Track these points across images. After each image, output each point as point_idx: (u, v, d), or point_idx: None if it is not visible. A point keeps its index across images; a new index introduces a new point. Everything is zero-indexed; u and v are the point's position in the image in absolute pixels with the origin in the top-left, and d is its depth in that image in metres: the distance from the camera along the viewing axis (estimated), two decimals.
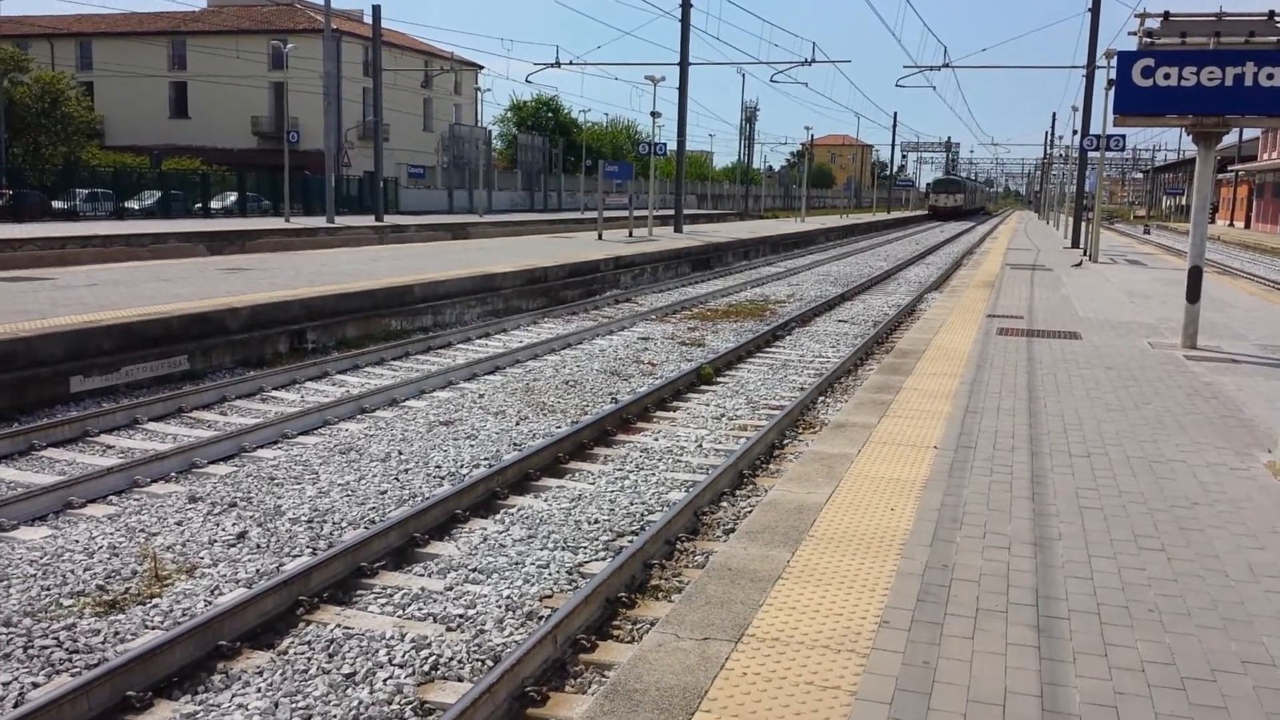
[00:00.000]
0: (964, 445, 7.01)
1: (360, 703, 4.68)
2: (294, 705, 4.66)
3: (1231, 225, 75.85)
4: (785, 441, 9.56)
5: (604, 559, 6.48)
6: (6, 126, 45.96)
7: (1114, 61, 12.39)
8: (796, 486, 5.98)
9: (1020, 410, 8.19)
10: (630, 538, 6.86)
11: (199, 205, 45.97)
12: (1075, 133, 42.10)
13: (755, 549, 4.93)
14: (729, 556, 4.84)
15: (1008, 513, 5.58)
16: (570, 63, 42.55)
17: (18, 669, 4.93)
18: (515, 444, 9.20)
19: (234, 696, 4.75)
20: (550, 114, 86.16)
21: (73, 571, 6.11)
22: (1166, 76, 10.76)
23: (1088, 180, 36.72)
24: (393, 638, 5.31)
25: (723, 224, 55.93)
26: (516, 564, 6.36)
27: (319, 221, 40.40)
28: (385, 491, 7.74)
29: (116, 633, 5.33)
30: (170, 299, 13.72)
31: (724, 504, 7.64)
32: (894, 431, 7.38)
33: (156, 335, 11.69)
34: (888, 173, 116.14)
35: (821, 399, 11.42)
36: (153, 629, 5.40)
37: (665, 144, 39.36)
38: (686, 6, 38.26)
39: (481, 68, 77.82)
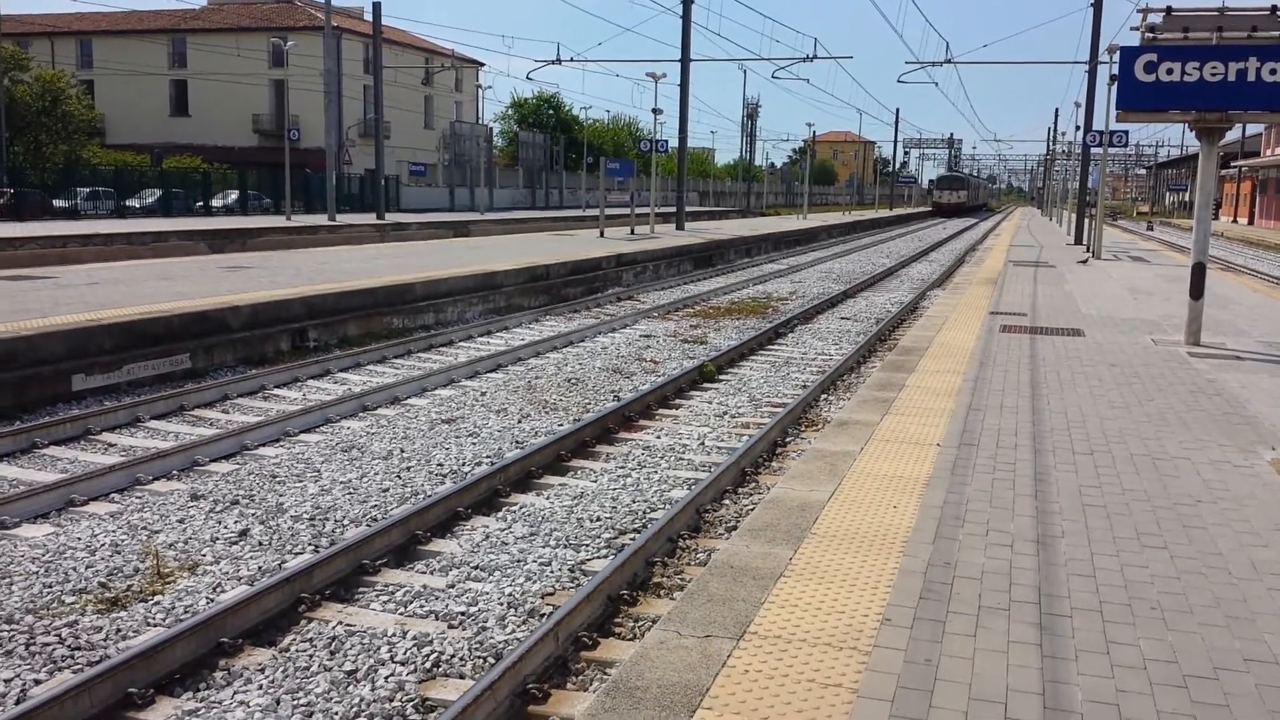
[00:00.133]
0: (967, 443, 7.00)
1: (362, 700, 4.68)
2: (296, 702, 4.66)
3: (1235, 221, 75.78)
4: (787, 439, 9.56)
5: (606, 557, 6.48)
6: (7, 125, 45.95)
7: (1117, 57, 12.36)
8: (799, 484, 5.97)
9: (1023, 407, 8.18)
10: (632, 535, 6.85)
11: (200, 203, 46.02)
12: (1078, 129, 42.07)
13: (757, 546, 4.93)
14: (731, 554, 4.83)
15: (1010, 510, 5.57)
16: (571, 60, 42.65)
17: (20, 666, 4.93)
18: (517, 442, 9.20)
19: (236, 694, 4.75)
20: (551, 111, 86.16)
21: (75, 569, 6.12)
22: (1169, 72, 10.74)
23: (1091, 176, 36.66)
24: (394, 635, 5.31)
25: (725, 221, 55.91)
26: (518, 561, 6.36)
27: (320, 219, 40.44)
28: (387, 489, 7.74)
29: (118, 630, 5.33)
30: (171, 297, 13.72)
31: (726, 502, 7.63)
32: (897, 429, 7.37)
33: (158, 334, 11.70)
34: (890, 169, 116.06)
35: (824, 396, 11.41)
36: (155, 626, 5.40)
37: (667, 141, 39.36)
38: (688, 3, 38.23)
39: (482, 65, 77.81)
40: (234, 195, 48.44)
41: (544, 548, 6.61)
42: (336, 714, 4.58)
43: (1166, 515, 5.56)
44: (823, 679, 3.65)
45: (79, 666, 4.95)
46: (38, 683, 4.79)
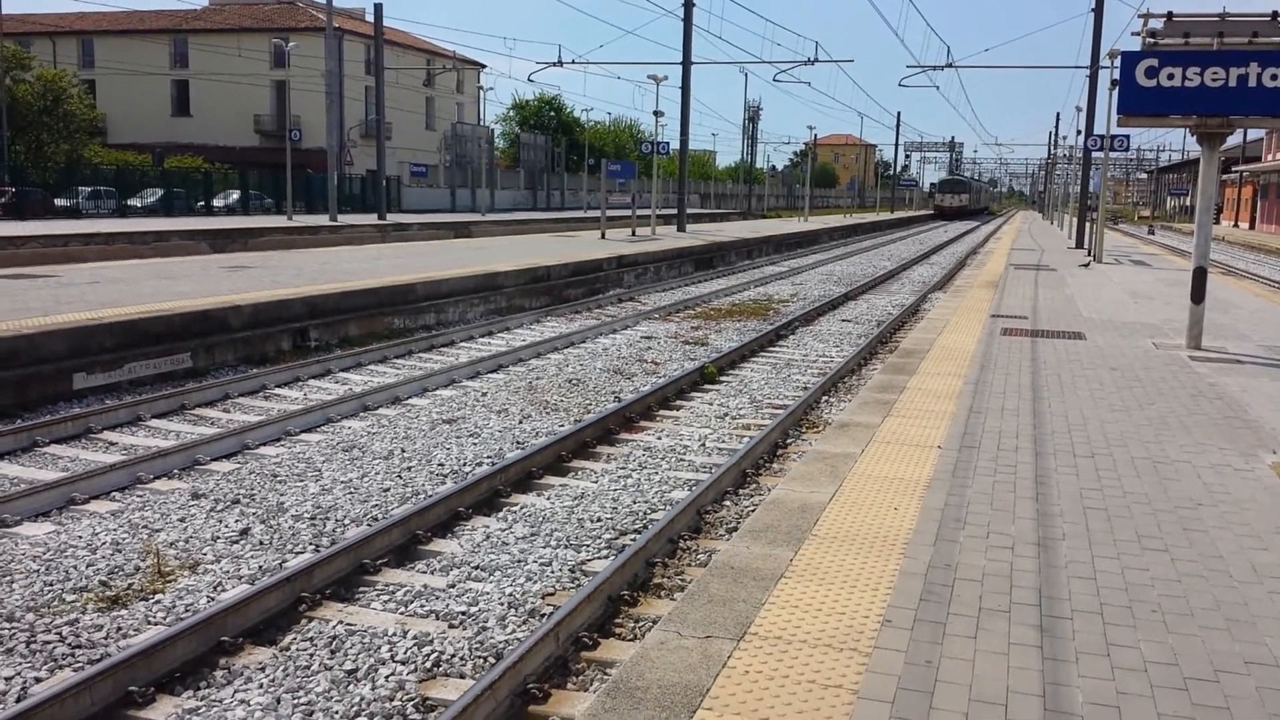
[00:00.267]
0: (968, 445, 7.00)
1: (362, 699, 4.68)
2: (296, 701, 4.66)
3: (1236, 226, 75.79)
4: (788, 441, 9.56)
5: (606, 557, 6.48)
6: (9, 124, 45.98)
7: (1118, 62, 12.38)
8: (799, 486, 5.97)
9: (1024, 410, 8.18)
10: (633, 536, 6.85)
11: (201, 203, 46.06)
12: (1079, 133, 42.09)
13: (758, 548, 4.93)
14: (732, 555, 4.83)
15: (1011, 513, 5.57)
16: (573, 62, 42.74)
17: (21, 664, 4.93)
18: (518, 442, 9.20)
19: (236, 692, 4.75)
20: (553, 113, 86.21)
21: (76, 567, 6.12)
22: (1170, 77, 10.74)
23: (1092, 180, 36.68)
24: (395, 634, 5.31)
25: (726, 223, 55.93)
26: (519, 562, 6.36)
27: (321, 220, 40.45)
28: (388, 489, 7.74)
29: (119, 628, 5.34)
30: (173, 296, 13.73)
31: (727, 503, 7.63)
32: (897, 431, 7.38)
33: (159, 332, 11.70)
34: (891, 172, 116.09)
35: (825, 398, 11.41)
36: (155, 625, 5.40)
37: (668, 143, 39.37)
38: (689, 5, 38.26)
39: (484, 66, 77.86)
40: (235, 195, 48.48)
41: (545, 548, 6.61)
42: (337, 713, 4.58)
43: (1167, 518, 5.56)
44: (823, 680, 3.65)
45: (80, 665, 4.95)
46: (38, 680, 4.80)
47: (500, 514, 7.29)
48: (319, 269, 18.78)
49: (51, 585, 5.87)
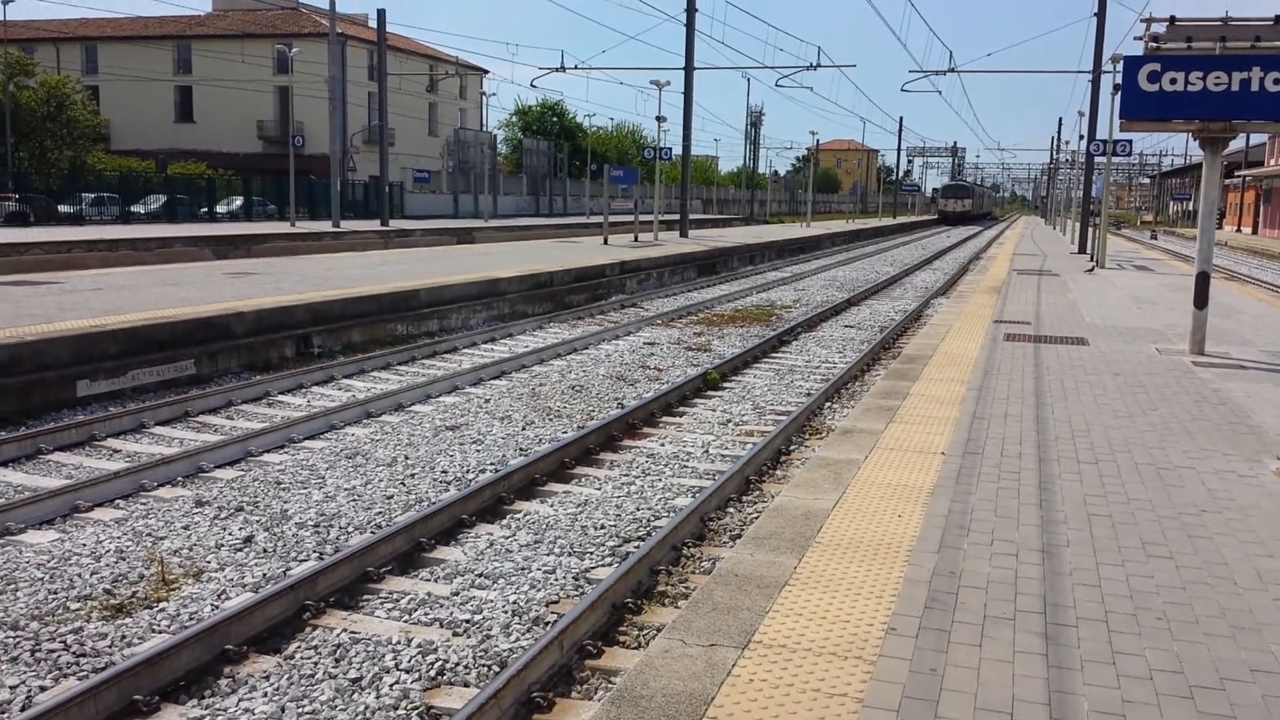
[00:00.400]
0: (971, 451, 7.00)
1: (366, 707, 4.68)
2: (300, 710, 4.66)
3: (1239, 231, 75.72)
4: (792, 447, 9.55)
5: (610, 565, 6.47)
6: (12, 131, 46.11)
7: (1120, 66, 12.38)
8: (803, 492, 5.97)
9: (1028, 416, 8.17)
10: (637, 543, 6.85)
11: (204, 209, 46.13)
12: (1082, 138, 42.07)
13: (762, 555, 4.93)
14: (736, 563, 4.83)
15: (1015, 519, 5.57)
16: (575, 67, 42.60)
17: (25, 672, 4.93)
18: (521, 449, 9.20)
19: (240, 701, 4.75)
20: (555, 118, 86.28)
21: (80, 575, 6.12)
22: (1173, 81, 10.74)
23: (1094, 185, 36.67)
24: (399, 643, 5.31)
25: (728, 229, 55.95)
26: (523, 569, 6.36)
27: (324, 226, 40.51)
28: (391, 496, 7.74)
29: (123, 636, 5.34)
30: (176, 303, 13.75)
31: (731, 510, 7.63)
32: (901, 437, 7.37)
33: (162, 340, 11.72)
34: (893, 177, 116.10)
35: (828, 405, 11.41)
36: (159, 633, 5.40)
37: (670, 148, 39.41)
38: (691, 11, 38.31)
39: (486, 72, 78.00)
40: (238, 201, 48.56)
41: (548, 555, 6.61)
42: None
43: (1171, 525, 5.55)
44: (828, 688, 3.64)
45: (84, 673, 4.95)
46: (43, 689, 4.80)
47: (504, 521, 7.28)
48: (322, 275, 18.81)
49: (56, 593, 5.87)
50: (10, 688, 4.78)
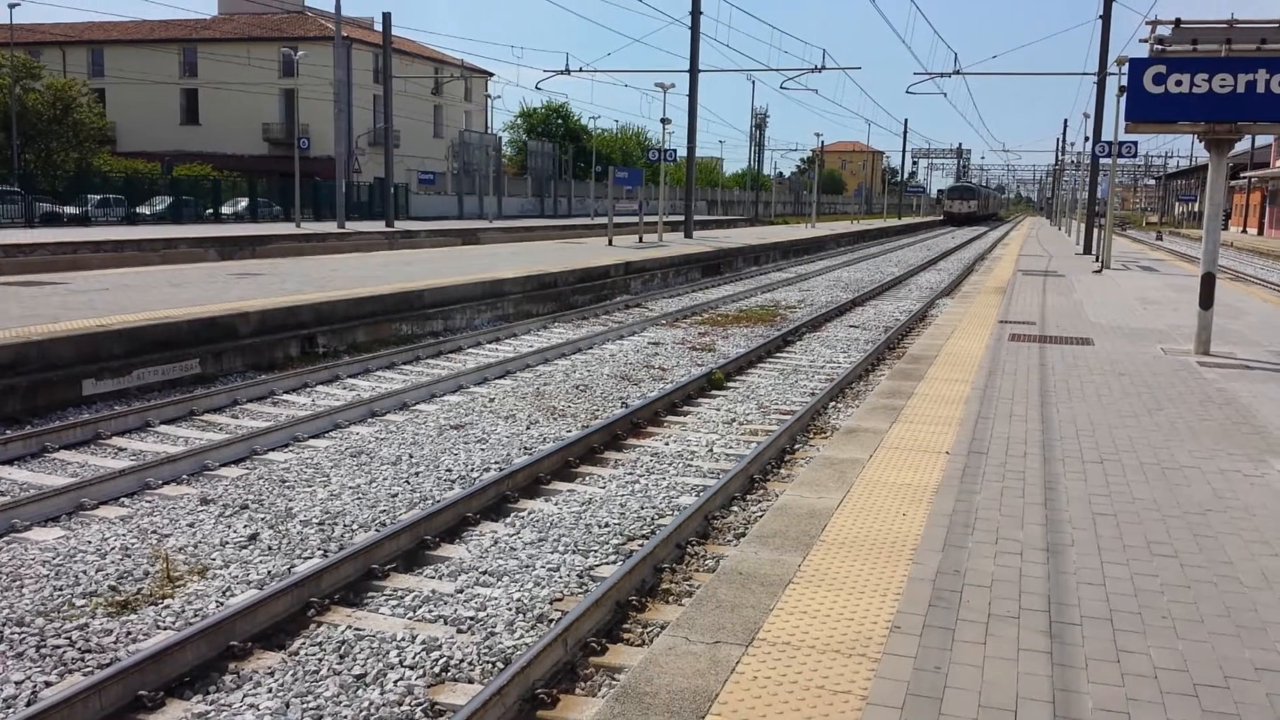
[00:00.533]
0: (976, 450, 6.99)
1: (371, 704, 4.69)
2: (305, 706, 4.67)
3: (1244, 232, 75.59)
4: (796, 446, 9.55)
5: (614, 563, 6.48)
6: (19, 133, 46.23)
7: (1125, 68, 12.37)
8: (808, 491, 5.97)
9: (1032, 416, 8.17)
10: (641, 542, 6.85)
11: (210, 211, 46.19)
12: (1087, 139, 42.06)
13: (766, 553, 4.93)
14: (740, 561, 4.83)
15: (1020, 518, 5.56)
16: (580, 69, 42.66)
17: (31, 668, 4.95)
18: (525, 448, 9.21)
19: (245, 697, 4.76)
20: (560, 120, 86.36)
21: (85, 572, 6.14)
22: (1178, 83, 10.72)
23: (1100, 187, 36.63)
24: (403, 639, 5.31)
25: (733, 230, 55.94)
26: (527, 567, 6.36)
27: (329, 227, 40.56)
28: (396, 494, 7.75)
29: (129, 633, 5.35)
30: (181, 303, 13.77)
31: (735, 508, 7.63)
32: (905, 437, 7.37)
33: (168, 339, 11.74)
34: (898, 179, 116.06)
35: (832, 404, 11.40)
36: (165, 629, 5.41)
37: (675, 150, 39.41)
38: (696, 13, 38.32)
39: (491, 74, 78.12)
40: (244, 203, 48.62)
41: (552, 553, 6.61)
42: (345, 718, 4.58)
43: (1176, 524, 5.55)
44: (832, 686, 3.64)
45: (89, 669, 4.97)
46: (48, 685, 4.81)
47: (508, 519, 7.29)
48: (327, 276, 18.83)
49: (61, 590, 5.88)
50: (16, 683, 4.79)
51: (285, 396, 11.29)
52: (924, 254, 45.45)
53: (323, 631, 5.44)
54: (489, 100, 76.61)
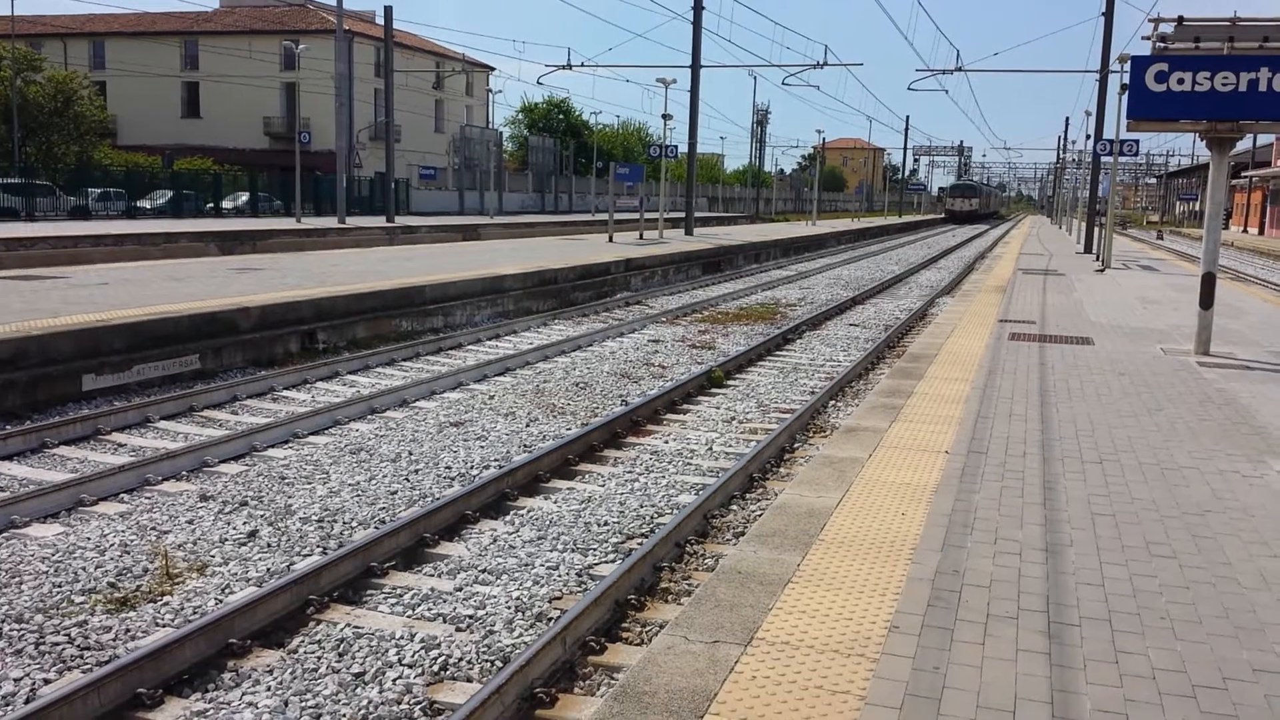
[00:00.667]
0: (975, 450, 6.99)
1: (370, 702, 4.69)
2: (304, 704, 4.67)
3: (1245, 231, 75.54)
4: (796, 445, 9.55)
5: (613, 561, 6.48)
6: (20, 125, 46.20)
7: (1128, 66, 12.35)
8: (807, 490, 5.97)
9: (1032, 416, 8.17)
10: (640, 540, 6.86)
11: (210, 205, 46.18)
12: (1088, 137, 42.01)
13: (765, 552, 4.93)
14: (739, 560, 4.83)
15: (1019, 518, 5.56)
16: (581, 65, 42.66)
17: (29, 665, 4.95)
18: (525, 445, 9.21)
19: (244, 695, 4.76)
20: (561, 116, 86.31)
21: (84, 569, 6.14)
22: (1180, 81, 10.71)
23: (1101, 185, 36.60)
24: (402, 637, 5.32)
25: (734, 227, 55.93)
26: (526, 565, 6.36)
27: (330, 222, 40.53)
28: (395, 492, 7.75)
29: (128, 630, 5.35)
30: (182, 298, 13.77)
31: (734, 507, 7.63)
32: (905, 436, 7.37)
33: (168, 334, 11.74)
34: (899, 176, 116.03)
35: (832, 403, 11.41)
36: (164, 627, 5.42)
37: (676, 146, 39.48)
38: (698, 8, 38.28)
39: (493, 69, 78.01)
40: (244, 197, 48.61)
41: (552, 552, 6.61)
42: (344, 716, 4.59)
43: (1175, 525, 5.55)
44: (830, 686, 3.65)
45: (88, 666, 4.97)
46: (47, 682, 4.81)
47: (507, 517, 7.29)
48: (327, 271, 18.83)
49: (60, 587, 5.89)
50: (15, 680, 4.80)
51: (285, 393, 11.29)
52: (924, 252, 45.44)
53: (322, 629, 5.44)
54: (490, 95, 76.50)
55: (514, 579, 6.14)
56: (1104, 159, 34.33)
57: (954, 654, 3.93)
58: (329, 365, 12.44)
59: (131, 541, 6.60)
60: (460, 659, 5.11)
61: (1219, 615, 4.37)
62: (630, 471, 8.50)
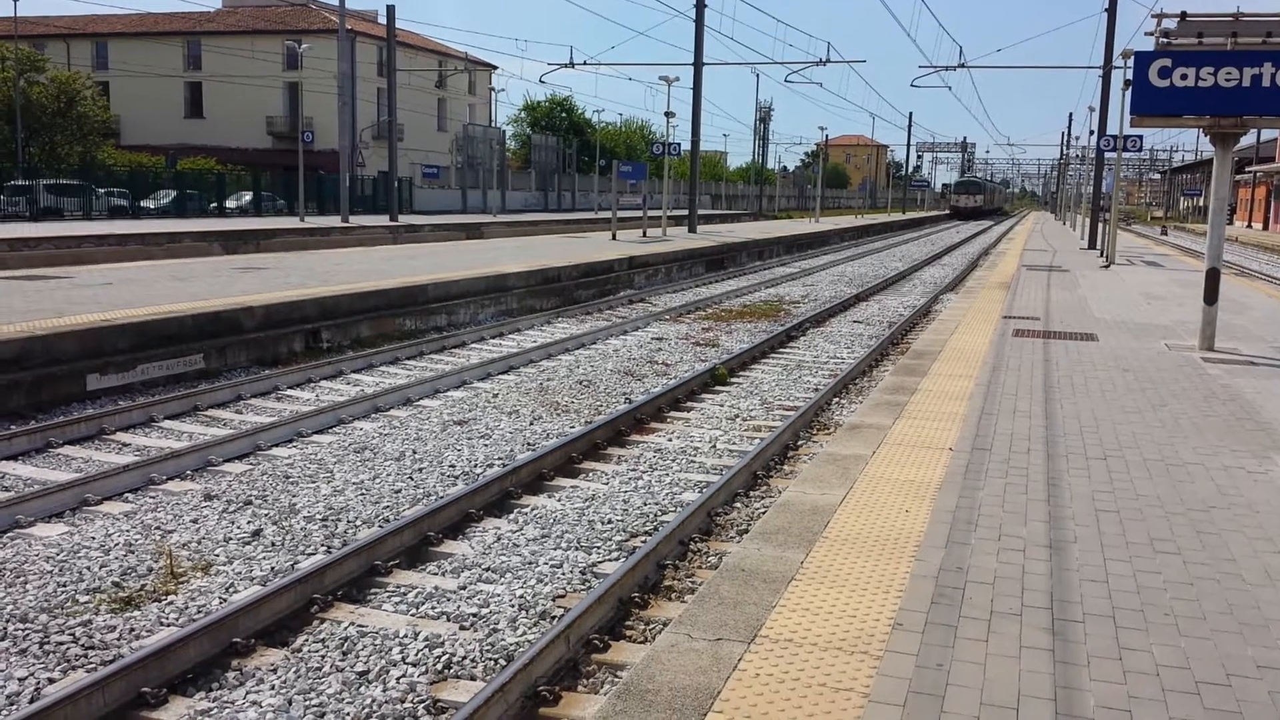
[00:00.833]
0: (979, 447, 6.99)
1: (373, 700, 4.69)
2: (308, 703, 4.67)
3: (1250, 227, 75.39)
4: (799, 442, 9.55)
5: (617, 559, 6.48)
6: (23, 126, 46.27)
7: (1131, 62, 12.32)
8: (810, 488, 5.97)
9: (1036, 412, 8.15)
10: (644, 538, 6.86)
11: (214, 205, 46.20)
12: (1092, 133, 41.95)
13: (769, 550, 4.93)
14: (742, 557, 4.83)
15: (1023, 515, 5.56)
16: (584, 63, 42.64)
17: (34, 665, 4.96)
18: (529, 444, 9.21)
19: (248, 694, 4.77)
20: (564, 114, 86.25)
21: (89, 568, 6.15)
22: (1184, 77, 10.69)
23: (1104, 181, 36.54)
24: (406, 636, 5.32)
25: (737, 224, 55.88)
26: (530, 563, 6.37)
27: (333, 221, 40.55)
28: (399, 490, 7.76)
29: (132, 629, 5.36)
30: (186, 298, 13.79)
31: (738, 505, 7.63)
32: (909, 433, 7.36)
33: (172, 334, 11.75)
34: (903, 173, 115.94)
35: (836, 400, 11.40)
36: (168, 626, 5.42)
37: (679, 144, 39.34)
38: (701, 6, 38.24)
39: (495, 68, 77.97)
40: (248, 197, 48.61)
41: (555, 550, 6.62)
42: (348, 714, 4.59)
43: (1179, 521, 5.54)
44: (834, 683, 3.64)
45: (92, 665, 4.98)
46: (52, 681, 4.82)
47: (511, 515, 7.30)
48: (331, 270, 18.84)
49: (65, 586, 5.89)
50: (20, 679, 4.80)
51: (289, 391, 11.30)
52: (928, 249, 45.39)
53: (326, 628, 5.45)
54: (493, 93, 76.44)
55: (518, 577, 6.14)
56: (1108, 155, 34.27)
57: (958, 651, 3.93)
58: (333, 364, 12.45)
59: (136, 541, 6.61)
60: (464, 657, 5.11)
61: (1223, 611, 4.36)
62: (634, 469, 8.50)
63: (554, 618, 5.58)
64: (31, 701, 4.61)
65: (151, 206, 43.44)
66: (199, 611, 5.59)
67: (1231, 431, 7.67)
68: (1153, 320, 14.64)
